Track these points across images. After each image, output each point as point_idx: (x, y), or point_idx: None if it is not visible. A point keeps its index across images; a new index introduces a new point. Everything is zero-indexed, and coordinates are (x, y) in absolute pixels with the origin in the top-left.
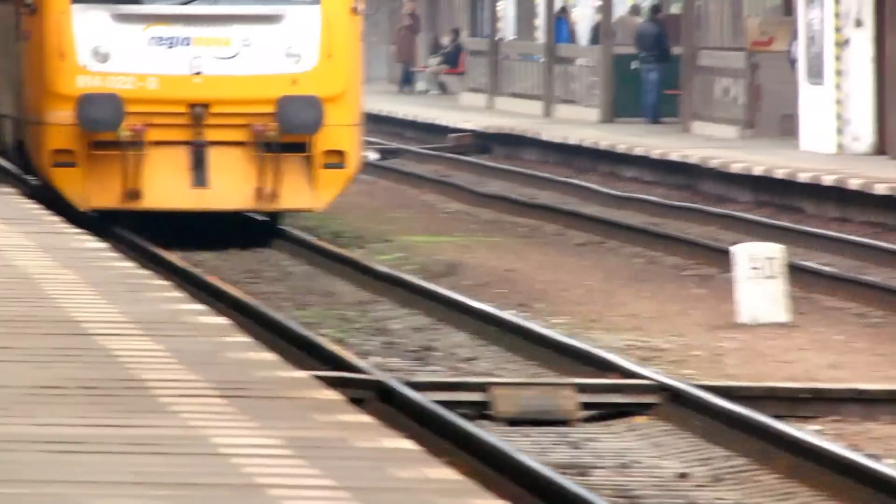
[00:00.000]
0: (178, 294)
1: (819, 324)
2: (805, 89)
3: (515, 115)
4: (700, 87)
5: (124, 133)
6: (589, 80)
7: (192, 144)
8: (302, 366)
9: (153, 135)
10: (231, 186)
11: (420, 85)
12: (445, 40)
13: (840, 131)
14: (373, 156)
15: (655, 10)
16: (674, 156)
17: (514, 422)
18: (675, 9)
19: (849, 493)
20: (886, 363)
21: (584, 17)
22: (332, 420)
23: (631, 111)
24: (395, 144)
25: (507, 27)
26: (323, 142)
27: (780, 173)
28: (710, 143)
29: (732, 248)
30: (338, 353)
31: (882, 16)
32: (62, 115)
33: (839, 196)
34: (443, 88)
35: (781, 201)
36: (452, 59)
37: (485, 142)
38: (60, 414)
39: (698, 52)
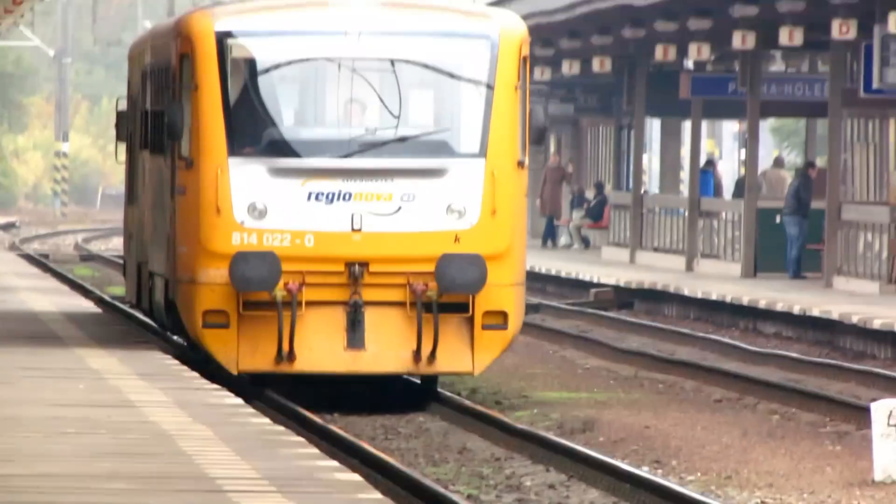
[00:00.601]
0: (311, 450)
1: None
2: None
3: (657, 270)
4: (843, 241)
5: (280, 293)
6: (732, 233)
7: (349, 304)
8: None
9: (309, 294)
10: (388, 349)
11: (563, 239)
12: (589, 193)
13: None
14: None
15: (808, 165)
16: (815, 311)
17: None
18: (820, 162)
19: None
20: None
21: (728, 170)
22: None
23: (774, 266)
24: (536, 300)
25: (652, 180)
26: (485, 302)
27: None
28: (852, 299)
29: (871, 405)
30: None
31: None
32: (216, 273)
33: None
34: (586, 243)
35: None
36: (596, 213)
37: (626, 297)
38: None
39: (842, 206)
